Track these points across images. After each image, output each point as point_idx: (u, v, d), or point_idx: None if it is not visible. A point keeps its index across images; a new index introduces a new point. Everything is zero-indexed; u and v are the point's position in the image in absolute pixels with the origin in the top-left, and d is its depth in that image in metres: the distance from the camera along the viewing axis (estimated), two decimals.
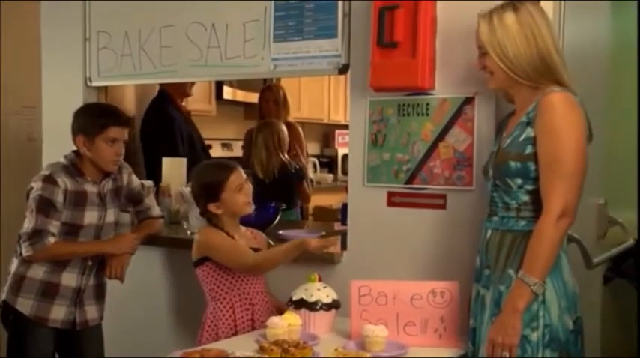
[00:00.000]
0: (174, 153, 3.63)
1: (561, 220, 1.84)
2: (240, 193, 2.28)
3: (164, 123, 3.82)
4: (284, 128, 3.93)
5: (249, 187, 2.32)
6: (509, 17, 1.93)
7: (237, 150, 5.20)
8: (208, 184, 2.28)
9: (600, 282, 2.43)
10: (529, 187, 1.91)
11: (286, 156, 3.91)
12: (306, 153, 4.41)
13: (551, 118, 1.86)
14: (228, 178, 2.27)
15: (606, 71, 2.51)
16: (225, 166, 2.33)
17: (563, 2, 2.26)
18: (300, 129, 4.28)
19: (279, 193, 3.61)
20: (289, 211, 3.77)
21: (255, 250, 2.31)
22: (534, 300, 1.85)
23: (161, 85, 3.84)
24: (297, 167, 3.92)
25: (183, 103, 4.04)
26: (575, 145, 1.85)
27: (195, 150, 3.94)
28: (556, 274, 1.88)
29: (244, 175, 2.33)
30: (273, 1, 2.74)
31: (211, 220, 2.31)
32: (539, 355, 1.86)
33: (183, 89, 3.97)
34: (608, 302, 2.42)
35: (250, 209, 2.33)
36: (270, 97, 4.20)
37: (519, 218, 1.93)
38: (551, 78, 1.92)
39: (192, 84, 4.05)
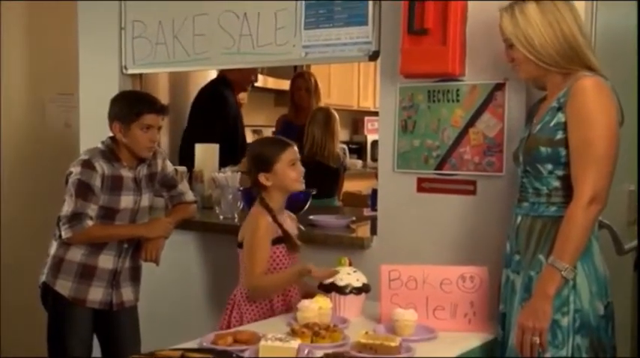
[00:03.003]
0: (218, 132, 3.67)
1: (592, 206, 1.81)
2: (292, 168, 2.26)
3: (219, 102, 3.85)
4: (337, 116, 3.95)
5: (301, 166, 2.29)
6: (531, 7, 1.91)
7: None
8: (262, 154, 2.26)
9: (632, 269, 2.39)
10: (560, 173, 1.89)
11: (338, 144, 3.94)
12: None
13: (583, 103, 1.84)
14: (283, 151, 2.25)
15: (638, 60, 2.45)
16: (281, 141, 2.33)
17: None
18: None
19: (326, 181, 3.66)
20: (332, 198, 3.81)
21: (290, 241, 2.27)
22: (565, 285, 1.83)
23: (224, 71, 3.88)
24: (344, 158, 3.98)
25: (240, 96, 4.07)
26: (606, 130, 1.82)
27: (237, 138, 3.98)
28: (587, 259, 1.86)
29: (299, 155, 2.31)
30: None
31: (261, 196, 2.27)
32: (570, 340, 1.84)
33: (243, 83, 4.01)
34: (639, 288, 2.38)
35: (301, 186, 2.29)
36: (302, 85, 4.19)
37: (550, 203, 1.91)
38: (580, 62, 1.90)
39: (253, 83, 4.10)
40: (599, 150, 1.82)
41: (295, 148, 2.30)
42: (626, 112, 1.92)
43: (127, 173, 2.53)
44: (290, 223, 2.36)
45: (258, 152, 2.30)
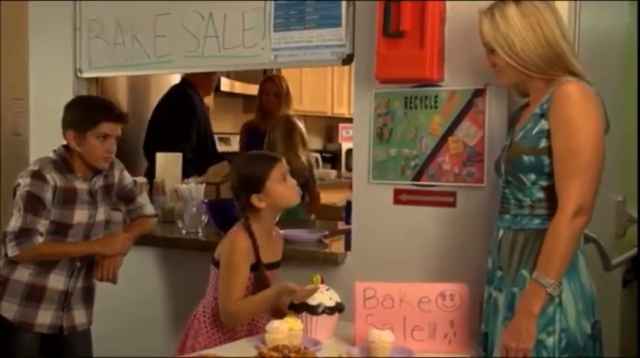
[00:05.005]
0: (187, 140, 3.67)
1: (577, 218, 1.83)
2: (283, 184, 2.24)
3: (187, 108, 3.86)
4: (301, 124, 3.94)
5: (292, 179, 2.28)
6: (512, 10, 1.92)
7: (236, 145, 5.20)
8: (251, 174, 2.24)
9: (619, 284, 2.41)
10: (543, 183, 1.90)
11: (304, 155, 3.90)
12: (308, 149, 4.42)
13: (567, 109, 1.85)
14: (272, 168, 2.23)
15: (624, 64, 2.50)
16: (268, 156, 2.32)
17: None
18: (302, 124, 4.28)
19: None
20: (295, 209, 3.79)
21: (273, 264, 2.28)
22: (550, 303, 1.84)
23: (187, 74, 3.90)
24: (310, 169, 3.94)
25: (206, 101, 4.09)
26: (591, 137, 1.84)
27: (206, 147, 3.97)
28: (573, 275, 1.87)
29: (287, 167, 2.30)
30: None
31: (248, 218, 2.24)
32: None
33: (208, 85, 4.02)
34: (627, 306, 2.41)
35: (297, 200, 2.29)
36: (272, 89, 4.18)
37: (533, 216, 1.92)
38: (563, 67, 1.92)
39: (217, 81, 4.09)
40: (584, 158, 1.84)
41: (284, 162, 2.29)
42: (611, 118, 1.94)
43: (81, 185, 2.50)
44: (275, 243, 2.34)
45: (245, 172, 2.26)
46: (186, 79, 3.98)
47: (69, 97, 2.72)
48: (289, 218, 3.24)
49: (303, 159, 3.85)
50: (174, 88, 4.00)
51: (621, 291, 2.42)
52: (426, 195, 2.44)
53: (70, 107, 2.53)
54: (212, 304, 2.27)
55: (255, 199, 2.22)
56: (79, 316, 2.57)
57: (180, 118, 3.85)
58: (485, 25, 1.97)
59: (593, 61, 2.07)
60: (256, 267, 2.22)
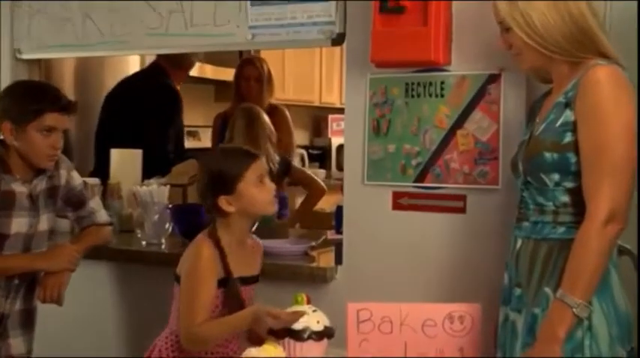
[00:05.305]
0: (166, 140, 3.75)
1: (609, 226, 1.83)
2: (260, 187, 2.22)
3: (169, 103, 3.89)
4: (265, 115, 3.90)
5: (270, 183, 2.27)
6: None
7: (206, 140, 5.20)
8: (222, 172, 2.21)
9: None
10: (569, 184, 1.91)
11: (271, 149, 3.86)
12: (294, 144, 4.41)
13: (596, 98, 1.86)
14: (248, 166, 2.21)
15: None
16: (244, 152, 2.29)
17: None
18: (288, 114, 4.27)
19: None
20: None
21: (247, 279, 2.27)
22: (578, 326, 1.85)
23: (158, 56, 3.94)
24: (280, 160, 3.87)
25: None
26: (625, 131, 1.85)
27: (179, 142, 3.99)
28: (604, 294, 1.87)
29: (267, 166, 2.29)
30: None
31: (214, 222, 2.23)
32: None
33: (183, 73, 4.06)
34: None
35: (273, 209, 2.29)
36: (252, 74, 4.18)
37: (557, 223, 1.93)
38: (592, 48, 1.92)
39: (191, 66, 4.18)
40: (617, 156, 1.84)
41: (263, 160, 2.28)
42: None
43: (19, 188, 2.48)
44: (250, 255, 2.33)
45: (215, 169, 2.24)
46: (158, 64, 3.97)
47: (6, 83, 2.75)
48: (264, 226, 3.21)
49: (274, 156, 3.78)
50: (146, 74, 3.98)
51: None
52: (430, 199, 2.46)
53: (6, 94, 2.53)
54: (177, 331, 2.25)
55: (223, 201, 2.20)
56: (16, 344, 2.56)
57: (163, 114, 3.86)
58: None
59: (622, 51, 2.07)
60: (226, 281, 2.20)
